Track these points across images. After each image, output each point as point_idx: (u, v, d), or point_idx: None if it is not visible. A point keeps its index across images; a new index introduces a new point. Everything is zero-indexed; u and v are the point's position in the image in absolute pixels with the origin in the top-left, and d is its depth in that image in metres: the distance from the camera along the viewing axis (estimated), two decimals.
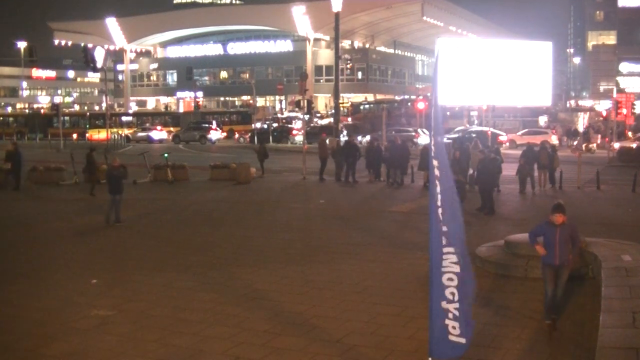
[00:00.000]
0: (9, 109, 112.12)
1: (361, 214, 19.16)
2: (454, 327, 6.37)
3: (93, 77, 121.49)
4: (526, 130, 48.78)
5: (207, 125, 59.30)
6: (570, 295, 9.48)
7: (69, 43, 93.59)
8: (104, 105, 61.93)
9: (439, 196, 6.31)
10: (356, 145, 28.11)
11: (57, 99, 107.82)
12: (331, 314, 9.53)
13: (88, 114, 73.75)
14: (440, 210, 6.31)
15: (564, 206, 8.58)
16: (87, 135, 61.13)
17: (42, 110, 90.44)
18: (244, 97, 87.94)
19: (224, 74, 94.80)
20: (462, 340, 6.39)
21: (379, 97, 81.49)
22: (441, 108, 6.72)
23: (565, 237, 8.48)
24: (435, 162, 6.33)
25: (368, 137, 42.69)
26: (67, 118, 69.56)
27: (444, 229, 6.32)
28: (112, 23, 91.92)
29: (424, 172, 24.14)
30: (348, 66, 69.33)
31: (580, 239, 9.18)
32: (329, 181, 26.96)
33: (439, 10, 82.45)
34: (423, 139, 42.28)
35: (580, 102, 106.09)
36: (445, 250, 6.34)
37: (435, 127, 6.44)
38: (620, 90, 74.17)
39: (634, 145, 36.41)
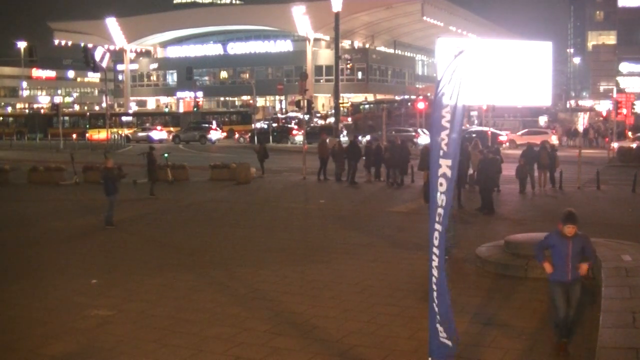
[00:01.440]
0: (9, 109, 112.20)
1: (361, 214, 19.16)
2: (441, 330, 6.44)
3: (93, 77, 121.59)
4: (526, 130, 48.79)
5: (207, 125, 59.35)
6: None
7: (69, 43, 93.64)
8: (104, 105, 61.92)
9: (443, 196, 6.27)
10: (358, 146, 28.13)
11: (57, 99, 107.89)
12: (331, 314, 9.53)
13: (88, 114, 73.76)
14: (440, 210, 6.30)
15: (576, 215, 7.60)
16: (87, 135, 61.17)
17: (42, 110, 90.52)
18: (244, 97, 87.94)
19: (224, 74, 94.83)
20: (449, 343, 6.45)
21: (379, 97, 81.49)
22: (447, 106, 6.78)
23: (578, 249, 7.69)
24: (447, 162, 6.27)
25: (368, 137, 42.70)
26: (67, 118, 69.58)
27: (439, 229, 6.31)
28: (112, 23, 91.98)
29: (424, 172, 24.11)
30: (348, 66, 69.32)
31: (593, 250, 8.26)
32: (330, 181, 26.97)
33: (439, 10, 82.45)
34: (423, 139, 42.28)
35: (580, 102, 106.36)
36: (434, 251, 6.36)
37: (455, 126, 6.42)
38: (620, 90, 74.24)
39: (634, 145, 36.37)
